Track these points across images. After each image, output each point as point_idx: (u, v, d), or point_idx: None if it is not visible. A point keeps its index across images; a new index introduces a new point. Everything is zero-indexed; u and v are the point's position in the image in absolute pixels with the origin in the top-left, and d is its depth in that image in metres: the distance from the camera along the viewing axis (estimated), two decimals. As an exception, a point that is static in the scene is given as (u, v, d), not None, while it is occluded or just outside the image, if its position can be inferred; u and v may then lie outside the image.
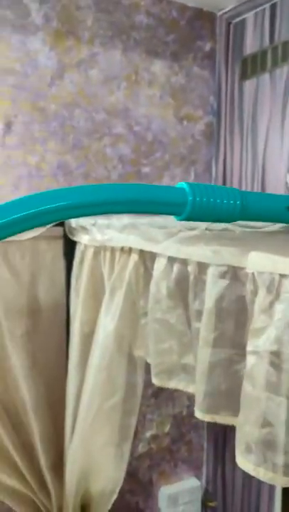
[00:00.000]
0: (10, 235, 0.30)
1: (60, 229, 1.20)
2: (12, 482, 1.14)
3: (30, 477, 1.16)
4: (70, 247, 1.20)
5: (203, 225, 0.76)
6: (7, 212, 0.29)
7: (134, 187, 0.31)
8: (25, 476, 1.15)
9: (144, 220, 0.78)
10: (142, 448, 1.51)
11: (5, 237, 0.30)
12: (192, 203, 0.33)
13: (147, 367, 1.00)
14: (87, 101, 1.36)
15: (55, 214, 0.30)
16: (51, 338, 1.21)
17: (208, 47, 1.52)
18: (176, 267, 0.70)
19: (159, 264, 0.72)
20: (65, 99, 1.33)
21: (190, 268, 0.67)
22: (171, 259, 0.71)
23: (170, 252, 0.69)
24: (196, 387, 0.61)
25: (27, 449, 1.16)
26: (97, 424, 1.03)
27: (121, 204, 0.30)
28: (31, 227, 0.30)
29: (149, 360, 0.84)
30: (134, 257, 0.85)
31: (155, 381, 0.73)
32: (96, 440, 1.07)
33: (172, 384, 0.72)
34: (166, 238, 0.70)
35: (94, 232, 1.01)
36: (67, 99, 1.33)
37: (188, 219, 0.31)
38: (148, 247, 0.75)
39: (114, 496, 1.11)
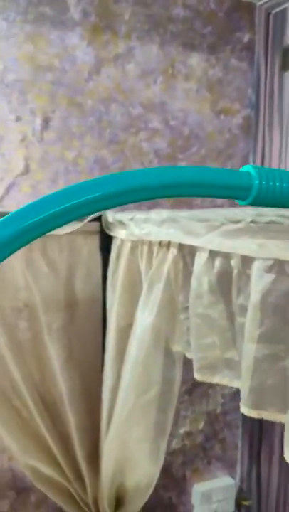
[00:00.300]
0: (74, 219, 0.30)
1: (96, 224, 1.21)
2: (49, 471, 1.17)
3: (66, 467, 1.18)
4: (106, 242, 1.21)
5: (248, 217, 0.75)
6: (67, 198, 0.29)
7: (197, 169, 0.30)
8: (61, 465, 1.17)
9: (184, 213, 0.77)
10: (175, 444, 1.51)
11: (72, 220, 0.30)
12: (258, 187, 0.32)
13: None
14: (123, 95, 1.36)
15: (117, 198, 0.29)
16: (87, 331, 1.22)
17: (246, 38, 1.48)
18: (218, 261, 0.69)
19: (200, 259, 0.71)
20: (102, 94, 1.33)
21: (233, 262, 0.65)
22: (213, 253, 0.69)
23: (212, 246, 0.68)
24: (241, 382, 0.60)
25: (63, 440, 1.18)
26: (133, 419, 1.04)
27: (182, 187, 0.30)
28: (91, 213, 0.30)
29: (188, 355, 0.83)
30: (173, 252, 0.84)
31: (197, 376, 0.72)
32: (131, 434, 1.07)
33: (216, 379, 0.71)
34: (208, 231, 0.69)
35: (131, 227, 1.01)
36: (104, 94, 1.33)
37: (253, 204, 0.30)
38: (189, 240, 0.74)
39: (150, 491, 1.11)
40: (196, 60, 1.41)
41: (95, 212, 0.30)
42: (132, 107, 1.37)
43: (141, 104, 1.38)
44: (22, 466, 1.15)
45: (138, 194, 0.30)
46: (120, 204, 0.31)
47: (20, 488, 1.35)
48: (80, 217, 0.31)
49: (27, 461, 1.14)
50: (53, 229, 0.30)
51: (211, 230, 0.69)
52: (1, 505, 1.34)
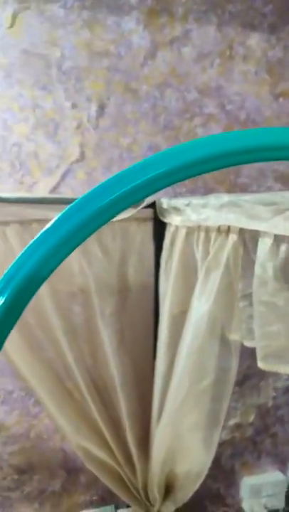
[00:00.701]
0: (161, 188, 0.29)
1: (150, 211, 1.20)
2: (100, 453, 1.19)
3: (117, 450, 1.19)
4: (159, 229, 1.20)
5: None
6: (147, 170, 0.28)
7: (280, 130, 0.28)
8: (112, 449, 1.19)
9: (246, 197, 0.74)
10: (224, 435, 1.49)
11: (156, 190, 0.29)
12: None
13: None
14: (178, 80, 1.33)
15: (200, 167, 0.28)
16: (139, 318, 1.22)
17: (309, 16, 1.41)
18: (284, 247, 0.66)
19: (265, 244, 0.69)
20: (157, 79, 1.31)
21: (301, 247, 0.62)
22: (279, 238, 0.66)
23: (278, 231, 0.65)
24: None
25: (114, 424, 1.19)
26: (186, 407, 1.03)
27: (268, 150, 0.28)
28: (172, 183, 0.29)
29: (246, 343, 0.81)
30: (233, 237, 0.81)
31: (261, 365, 0.70)
32: (184, 422, 1.07)
33: (281, 368, 0.68)
34: (273, 216, 0.66)
35: (188, 212, 0.99)
36: (159, 79, 1.31)
37: None
38: (251, 225, 0.71)
39: (201, 479, 1.10)
40: (255, 41, 1.36)
41: (177, 182, 0.29)
42: (187, 92, 1.34)
43: (196, 89, 1.34)
44: (74, 446, 1.18)
45: (220, 161, 0.28)
46: (203, 172, 0.30)
47: (71, 469, 1.39)
48: (161, 189, 0.30)
49: (79, 442, 1.17)
50: (137, 201, 0.29)
51: (276, 214, 0.66)
52: (52, 485, 1.39)
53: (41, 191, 1.27)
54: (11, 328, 0.27)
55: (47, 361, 1.16)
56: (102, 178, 1.32)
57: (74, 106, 1.26)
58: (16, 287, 0.27)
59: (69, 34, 1.23)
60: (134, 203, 0.29)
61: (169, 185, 0.29)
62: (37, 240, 0.28)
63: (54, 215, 1.00)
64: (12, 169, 1.26)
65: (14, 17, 1.19)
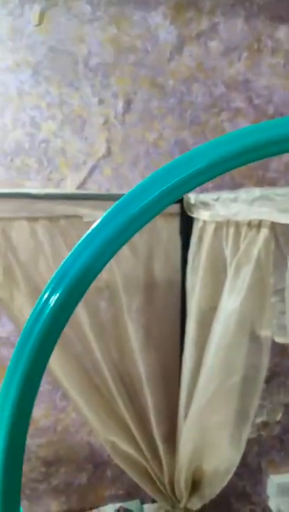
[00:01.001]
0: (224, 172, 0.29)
1: (177, 206, 1.19)
2: (127, 448, 1.19)
3: (144, 445, 1.19)
4: (186, 224, 1.19)
5: None
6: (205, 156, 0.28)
7: None
8: (139, 444, 1.19)
9: (280, 190, 0.73)
10: (251, 433, 1.47)
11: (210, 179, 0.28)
12: None
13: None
14: (205, 75, 1.32)
15: (257, 152, 0.28)
16: (165, 313, 1.22)
17: None
18: None
19: (299, 238, 0.68)
20: (184, 74, 1.31)
21: None
22: (314, 232, 0.65)
23: (313, 225, 0.64)
24: None
25: (141, 419, 1.19)
26: (215, 403, 1.02)
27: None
28: (230, 169, 0.29)
29: (278, 339, 0.80)
30: (265, 232, 0.80)
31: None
32: (212, 419, 1.06)
33: None
34: (308, 209, 0.65)
35: (217, 207, 0.98)
36: (186, 74, 1.31)
37: None
38: (285, 219, 0.70)
39: (229, 476, 1.09)
40: (283, 33, 1.33)
41: (234, 168, 0.29)
42: (214, 86, 1.33)
43: (223, 83, 1.33)
44: (102, 440, 1.19)
45: (278, 146, 0.28)
46: (258, 159, 0.29)
47: (98, 463, 1.40)
48: (219, 175, 0.30)
49: (106, 437, 1.18)
50: (194, 187, 0.29)
51: (311, 208, 0.64)
52: (79, 478, 1.40)
53: (68, 187, 1.28)
54: (65, 322, 0.27)
55: (75, 356, 1.17)
56: (128, 173, 1.32)
57: (100, 102, 1.26)
58: (70, 283, 0.27)
59: (96, 30, 1.23)
60: (185, 193, 0.29)
61: (221, 174, 0.29)
62: (90, 234, 0.29)
63: (82, 211, 1.00)
64: (40, 166, 1.28)
65: (42, 14, 1.21)
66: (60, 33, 1.23)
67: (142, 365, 1.19)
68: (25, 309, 1.11)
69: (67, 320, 0.28)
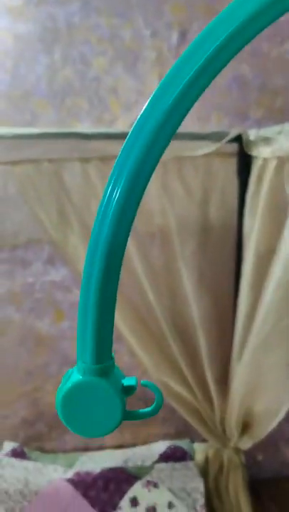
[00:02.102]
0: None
1: (234, 145, 1.13)
2: (179, 389, 1.21)
3: (195, 387, 1.21)
4: (244, 164, 1.13)
5: None
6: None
7: None
8: (191, 385, 1.21)
9: None
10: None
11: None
12: None
13: None
14: None
15: None
16: (220, 257, 1.19)
17: None
18: None
19: None
20: (244, -2, 1.19)
21: None
22: None
23: None
24: None
25: (194, 361, 1.21)
26: (269, 345, 1.01)
27: None
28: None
29: None
30: None
31: None
32: (266, 360, 1.05)
33: None
34: None
35: (280, 141, 0.91)
36: (246, -1, 1.19)
37: None
38: None
39: (279, 417, 1.10)
40: None
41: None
42: (277, 11, 1.21)
43: None
44: (154, 380, 1.21)
45: None
46: None
47: (150, 402, 1.44)
48: None
49: (159, 377, 1.20)
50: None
51: None
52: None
53: (120, 128, 1.24)
54: (135, 210, 0.25)
55: (129, 301, 1.18)
56: (182, 112, 1.25)
57: (153, 34, 1.19)
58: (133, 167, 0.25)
59: None
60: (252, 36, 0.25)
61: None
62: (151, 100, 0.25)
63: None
64: (90, 106, 1.24)
65: None
66: None
67: (195, 310, 1.19)
68: (79, 251, 1.12)
69: (138, 204, 0.25)
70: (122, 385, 0.27)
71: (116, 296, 0.27)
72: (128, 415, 0.27)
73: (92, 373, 0.26)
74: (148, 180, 0.26)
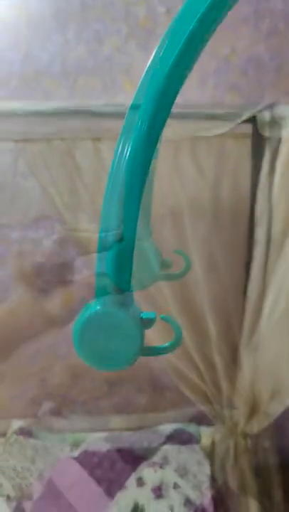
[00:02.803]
0: None
1: (248, 126, 1.11)
2: (187, 372, 1.21)
3: (204, 370, 1.21)
4: (258, 146, 1.12)
5: None
6: None
7: None
8: (199, 368, 1.21)
9: None
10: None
11: None
12: None
13: None
14: (287, -24, 1.17)
15: None
16: (231, 241, 1.18)
17: None
18: None
19: None
20: (262, -24, 1.17)
21: None
22: None
23: None
24: None
25: (203, 345, 1.20)
26: (280, 327, 1.00)
27: None
28: None
29: None
30: None
31: None
32: (276, 345, 1.05)
33: None
34: None
35: (296, 121, 0.89)
36: (264, -24, 1.17)
37: None
38: None
39: (287, 403, 1.09)
40: None
41: None
42: (296, -10, 1.18)
43: (307, -15, 1.18)
44: (163, 362, 1.21)
45: None
46: None
47: (157, 386, 1.45)
48: None
49: (168, 358, 1.20)
50: None
51: None
52: (139, 398, 1.46)
53: (133, 108, 1.23)
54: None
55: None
56: (196, 92, 1.24)
57: (168, 11, 1.17)
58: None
59: None
60: None
61: None
62: None
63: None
64: (103, 86, 1.23)
65: None
66: None
67: (204, 292, 1.18)
68: (90, 230, 1.11)
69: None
70: (141, 317, 0.27)
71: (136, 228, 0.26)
72: (146, 350, 0.27)
73: (111, 304, 0.25)
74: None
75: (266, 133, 1.05)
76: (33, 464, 1.21)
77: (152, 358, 1.22)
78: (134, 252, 0.25)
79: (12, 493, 1.17)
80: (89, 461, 1.20)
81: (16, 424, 1.33)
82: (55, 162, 1.07)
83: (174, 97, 0.25)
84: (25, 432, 1.30)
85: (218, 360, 1.20)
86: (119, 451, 1.22)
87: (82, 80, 1.23)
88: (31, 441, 1.28)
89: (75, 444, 1.29)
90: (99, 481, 1.18)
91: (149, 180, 0.26)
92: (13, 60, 1.20)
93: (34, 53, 1.20)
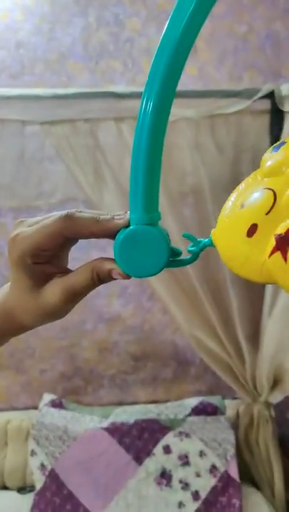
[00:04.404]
0: None
1: (266, 102, 1.13)
2: (211, 344, 1.25)
3: (227, 344, 1.24)
4: (277, 121, 1.14)
5: None
6: None
7: None
8: (223, 342, 1.24)
9: None
10: None
11: None
12: None
13: None
14: None
15: None
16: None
17: None
18: None
19: None
20: None
21: None
22: None
23: None
24: None
25: (226, 320, 1.23)
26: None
27: None
28: None
29: None
30: None
31: None
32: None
33: None
34: None
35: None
36: None
37: None
38: None
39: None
40: None
41: None
42: None
43: None
44: (187, 335, 1.25)
45: None
46: None
47: (181, 361, 1.49)
48: None
49: (192, 332, 1.24)
50: None
51: None
52: (164, 373, 1.51)
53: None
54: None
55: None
56: (214, 72, 1.26)
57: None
58: None
59: None
60: None
61: None
62: None
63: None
64: (124, 68, 1.26)
65: None
66: None
67: (226, 269, 1.21)
68: (114, 209, 1.15)
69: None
70: (167, 233, 0.32)
71: (161, 159, 0.30)
72: (171, 263, 0.32)
73: (143, 223, 0.31)
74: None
75: (284, 108, 1.07)
76: (65, 432, 1.27)
77: (176, 333, 1.25)
78: (143, 238, 0.30)
79: (46, 461, 1.24)
80: (117, 430, 1.26)
81: (48, 397, 1.40)
82: (80, 143, 1.12)
83: (187, 54, 0.28)
84: (57, 404, 1.37)
85: (240, 333, 1.23)
86: (147, 421, 1.27)
87: (104, 62, 1.26)
88: (62, 412, 1.35)
89: (104, 416, 1.35)
90: (127, 449, 1.23)
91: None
92: (38, 45, 1.24)
93: (57, 37, 1.24)
